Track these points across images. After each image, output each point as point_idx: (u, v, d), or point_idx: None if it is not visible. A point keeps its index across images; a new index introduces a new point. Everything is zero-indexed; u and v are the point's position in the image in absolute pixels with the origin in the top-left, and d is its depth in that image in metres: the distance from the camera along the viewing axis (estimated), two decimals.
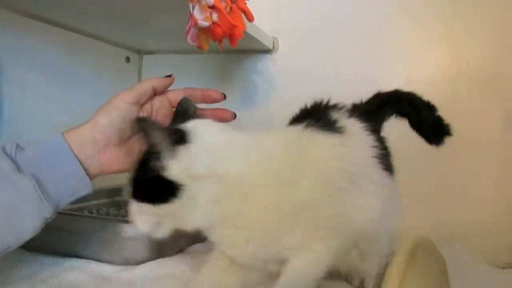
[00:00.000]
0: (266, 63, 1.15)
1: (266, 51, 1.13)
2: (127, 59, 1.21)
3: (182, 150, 0.53)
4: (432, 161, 1.03)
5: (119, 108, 0.63)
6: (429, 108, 0.74)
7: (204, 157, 0.54)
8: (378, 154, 0.63)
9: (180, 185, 0.53)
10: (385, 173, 0.64)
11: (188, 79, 1.24)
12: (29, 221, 0.56)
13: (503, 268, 0.89)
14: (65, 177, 0.59)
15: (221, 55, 1.17)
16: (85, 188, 0.61)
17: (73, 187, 0.60)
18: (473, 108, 1.02)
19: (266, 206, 0.55)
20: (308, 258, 0.57)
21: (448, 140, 0.99)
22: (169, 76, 0.70)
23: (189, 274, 0.71)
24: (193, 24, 0.74)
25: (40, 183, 0.57)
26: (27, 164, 0.57)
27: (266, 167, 0.57)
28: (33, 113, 0.95)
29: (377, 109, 0.73)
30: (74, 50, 1.04)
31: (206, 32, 0.76)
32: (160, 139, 0.53)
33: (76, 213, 0.87)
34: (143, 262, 0.74)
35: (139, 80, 1.25)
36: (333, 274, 0.72)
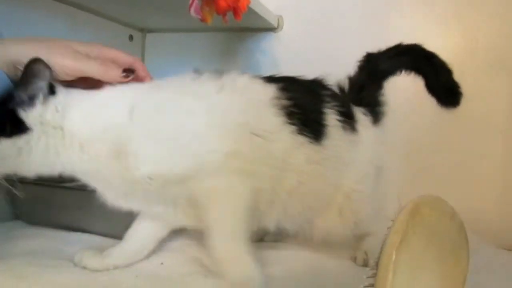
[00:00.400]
0: (270, 42, 1.14)
1: (271, 29, 1.12)
2: (131, 37, 1.20)
3: (50, 98, 0.58)
4: (437, 142, 1.02)
5: (54, 69, 0.59)
6: (448, 70, 0.75)
7: (58, 108, 0.58)
8: (280, 107, 0.63)
9: (27, 127, 0.56)
10: (291, 128, 0.63)
11: (191, 57, 1.23)
12: None
13: (510, 250, 0.89)
14: None
15: (225, 33, 1.16)
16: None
17: None
18: (480, 87, 1.00)
19: (102, 160, 0.58)
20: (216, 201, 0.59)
21: (454, 120, 0.99)
22: (127, 75, 0.65)
23: (193, 247, 0.71)
24: None
25: None
26: None
27: (105, 120, 0.59)
28: None
29: (392, 56, 0.76)
30: (77, 27, 1.03)
31: (210, 4, 0.75)
32: (44, 83, 0.57)
33: (79, 187, 0.86)
34: None
35: (143, 59, 1.23)
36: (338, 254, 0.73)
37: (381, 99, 0.78)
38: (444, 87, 0.76)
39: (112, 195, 0.62)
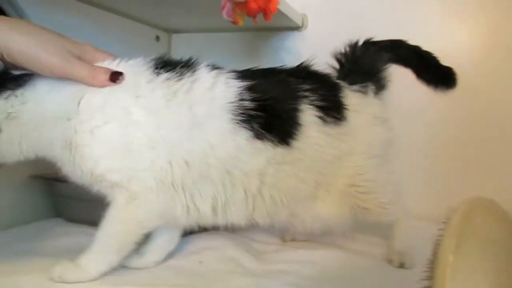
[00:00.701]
0: (294, 41, 1.14)
1: (295, 28, 1.12)
2: (157, 38, 1.21)
3: (18, 92, 0.59)
4: (461, 135, 1.02)
5: (41, 66, 0.58)
6: (434, 57, 0.77)
7: (17, 96, 0.59)
8: (238, 111, 0.60)
9: None
10: (248, 133, 0.61)
11: (216, 57, 1.22)
12: None
13: None
14: None
15: (250, 33, 1.16)
16: None
17: None
18: (506, 80, 0.99)
19: (52, 142, 0.60)
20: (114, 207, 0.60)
21: (478, 112, 0.98)
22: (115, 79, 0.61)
23: (230, 247, 0.73)
24: None
25: None
26: None
27: (54, 106, 0.60)
28: None
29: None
30: (105, 29, 1.04)
31: (242, 7, 0.76)
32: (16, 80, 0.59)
33: None
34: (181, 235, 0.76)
35: None
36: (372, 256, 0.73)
37: (381, 65, 0.76)
38: (435, 72, 0.77)
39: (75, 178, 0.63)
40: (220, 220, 0.65)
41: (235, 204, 0.63)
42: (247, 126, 0.60)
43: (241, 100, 0.61)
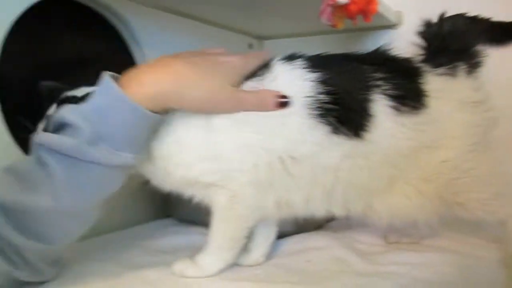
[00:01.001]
0: (390, 39, 1.10)
1: (390, 26, 1.10)
2: (250, 46, 1.25)
3: None
4: None
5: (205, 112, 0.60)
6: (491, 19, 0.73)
7: None
8: (314, 106, 0.60)
9: None
10: (326, 128, 0.60)
11: None
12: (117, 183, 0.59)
13: None
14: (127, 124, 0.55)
15: (343, 34, 1.15)
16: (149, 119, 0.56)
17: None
18: None
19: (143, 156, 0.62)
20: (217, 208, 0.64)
21: None
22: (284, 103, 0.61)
23: (337, 247, 0.74)
24: (329, 3, 0.75)
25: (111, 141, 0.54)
26: (93, 134, 0.52)
27: None
28: None
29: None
30: (201, 40, 1.09)
31: (342, 10, 0.76)
32: None
33: None
34: (285, 236, 0.79)
35: None
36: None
37: (474, 40, 0.71)
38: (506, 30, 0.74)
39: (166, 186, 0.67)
40: (304, 213, 0.67)
41: (315, 198, 0.64)
42: (323, 121, 0.60)
43: (316, 93, 0.60)
